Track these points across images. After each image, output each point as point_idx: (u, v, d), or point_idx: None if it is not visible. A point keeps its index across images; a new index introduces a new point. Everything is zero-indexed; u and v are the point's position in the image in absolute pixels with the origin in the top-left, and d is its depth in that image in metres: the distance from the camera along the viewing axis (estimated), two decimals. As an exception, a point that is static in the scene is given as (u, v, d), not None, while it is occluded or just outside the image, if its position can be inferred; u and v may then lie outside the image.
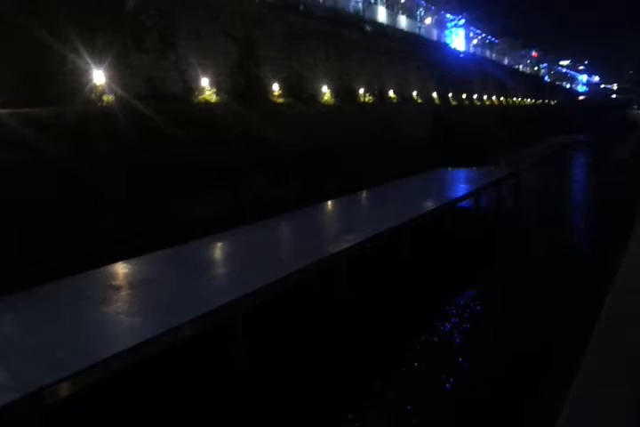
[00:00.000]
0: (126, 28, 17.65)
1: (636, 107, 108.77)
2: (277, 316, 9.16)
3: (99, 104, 15.74)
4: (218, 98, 20.90)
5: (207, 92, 20.70)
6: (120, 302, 7.44)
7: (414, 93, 40.93)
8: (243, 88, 22.65)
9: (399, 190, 15.18)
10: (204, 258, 9.39)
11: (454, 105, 47.82)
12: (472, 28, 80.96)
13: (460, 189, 15.38)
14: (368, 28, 43.63)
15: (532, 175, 22.26)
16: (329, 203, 13.49)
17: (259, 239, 10.20)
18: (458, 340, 9.86)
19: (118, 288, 7.95)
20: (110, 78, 16.50)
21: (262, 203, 14.93)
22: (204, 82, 20.81)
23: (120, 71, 17.13)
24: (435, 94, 44.79)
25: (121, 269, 8.94)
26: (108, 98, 16.05)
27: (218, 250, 10.07)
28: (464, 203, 13.87)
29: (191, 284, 7.85)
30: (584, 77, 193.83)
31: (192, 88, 20.39)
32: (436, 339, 9.88)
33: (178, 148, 15.54)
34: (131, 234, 12.13)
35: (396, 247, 11.29)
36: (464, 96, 52.08)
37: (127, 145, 14.27)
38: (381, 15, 55.87)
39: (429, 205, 12.94)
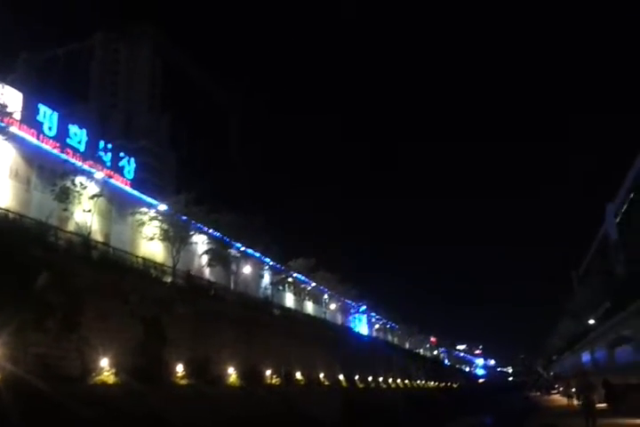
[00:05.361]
0: (29, 306, 17.46)
1: (532, 389, 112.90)
2: None
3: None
4: (116, 379, 19.76)
5: (106, 373, 19.64)
6: None
7: (321, 375, 40.71)
8: (144, 368, 21.75)
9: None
10: None
11: (361, 387, 47.51)
12: (373, 314, 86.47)
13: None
14: (276, 311, 45.57)
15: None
16: None
17: None
18: None
19: None
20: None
21: None
22: (104, 362, 19.91)
23: (12, 348, 16.26)
24: (341, 376, 44.75)
25: None
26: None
27: None
28: None
29: None
30: (481, 361, 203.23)
31: (90, 369, 19.35)
32: None
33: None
34: None
35: None
36: (370, 378, 52.27)
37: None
38: (289, 301, 59.18)
39: None
